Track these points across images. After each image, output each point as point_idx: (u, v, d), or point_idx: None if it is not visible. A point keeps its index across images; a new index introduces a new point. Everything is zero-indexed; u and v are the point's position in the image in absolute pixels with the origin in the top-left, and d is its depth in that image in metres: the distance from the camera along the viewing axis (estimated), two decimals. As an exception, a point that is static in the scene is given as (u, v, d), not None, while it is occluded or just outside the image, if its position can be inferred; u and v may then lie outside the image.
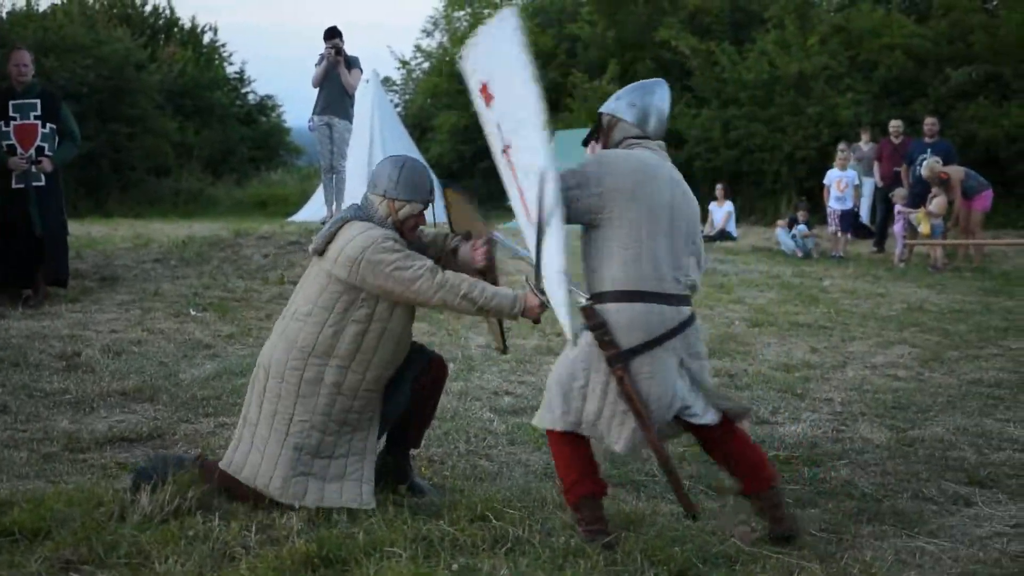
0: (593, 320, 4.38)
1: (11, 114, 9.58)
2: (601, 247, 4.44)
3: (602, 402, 4.41)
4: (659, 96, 4.79)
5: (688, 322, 4.49)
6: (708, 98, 24.94)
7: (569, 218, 4.34)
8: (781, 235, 16.51)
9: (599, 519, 4.48)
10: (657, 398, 4.39)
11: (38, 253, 9.71)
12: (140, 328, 8.92)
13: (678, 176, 4.65)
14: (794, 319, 10.39)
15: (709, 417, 4.55)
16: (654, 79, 4.92)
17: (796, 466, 5.72)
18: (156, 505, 4.46)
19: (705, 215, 18.97)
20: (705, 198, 20.68)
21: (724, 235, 17.87)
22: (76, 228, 12.67)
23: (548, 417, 4.51)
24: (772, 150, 23.60)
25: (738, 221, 19.45)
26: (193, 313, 9.66)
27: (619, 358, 4.34)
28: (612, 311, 4.37)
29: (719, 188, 18.78)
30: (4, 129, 9.55)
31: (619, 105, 4.75)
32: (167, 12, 34.48)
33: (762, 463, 4.63)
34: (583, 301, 4.42)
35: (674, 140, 24.86)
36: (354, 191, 11.75)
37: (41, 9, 30.67)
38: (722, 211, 18.35)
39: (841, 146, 17.08)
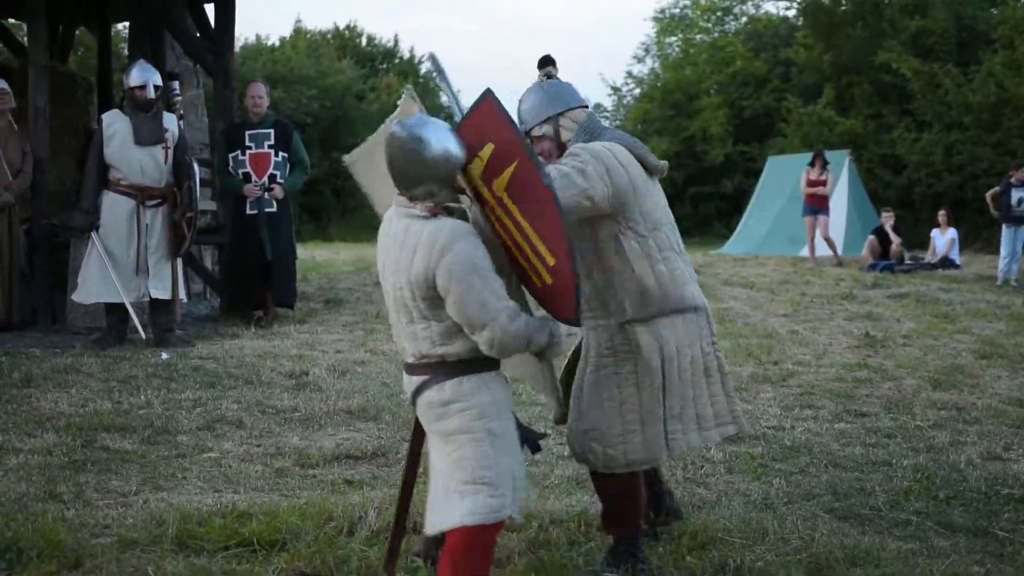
0: None
1: (247, 143, 10.08)
2: None
3: None
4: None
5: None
6: (930, 122, 24.18)
7: None
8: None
9: None
10: None
11: (268, 276, 10.17)
12: (363, 349, 9.22)
13: (400, 238, 3.82)
14: (1026, 352, 9.89)
15: None
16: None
17: (1032, 506, 5.45)
18: (383, 521, 4.61)
19: (926, 242, 18.35)
20: (926, 224, 20.03)
21: (947, 263, 17.21)
22: (300, 252, 13.18)
23: None
24: (1000, 176, 22.63)
25: (961, 249, 18.71)
26: (412, 336, 9.90)
27: None
28: None
29: (941, 214, 18.14)
30: (240, 158, 10.06)
31: None
32: (389, 42, 35.77)
33: None
34: None
35: (892, 164, 24.21)
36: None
37: (270, 42, 32.28)
38: (944, 238, 17.69)
39: None
